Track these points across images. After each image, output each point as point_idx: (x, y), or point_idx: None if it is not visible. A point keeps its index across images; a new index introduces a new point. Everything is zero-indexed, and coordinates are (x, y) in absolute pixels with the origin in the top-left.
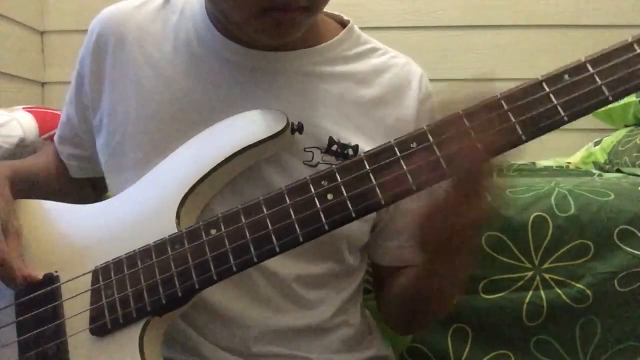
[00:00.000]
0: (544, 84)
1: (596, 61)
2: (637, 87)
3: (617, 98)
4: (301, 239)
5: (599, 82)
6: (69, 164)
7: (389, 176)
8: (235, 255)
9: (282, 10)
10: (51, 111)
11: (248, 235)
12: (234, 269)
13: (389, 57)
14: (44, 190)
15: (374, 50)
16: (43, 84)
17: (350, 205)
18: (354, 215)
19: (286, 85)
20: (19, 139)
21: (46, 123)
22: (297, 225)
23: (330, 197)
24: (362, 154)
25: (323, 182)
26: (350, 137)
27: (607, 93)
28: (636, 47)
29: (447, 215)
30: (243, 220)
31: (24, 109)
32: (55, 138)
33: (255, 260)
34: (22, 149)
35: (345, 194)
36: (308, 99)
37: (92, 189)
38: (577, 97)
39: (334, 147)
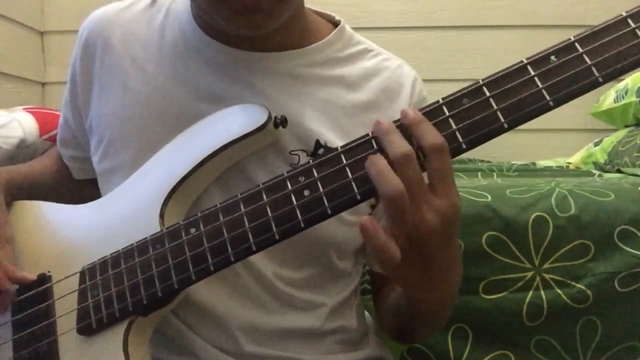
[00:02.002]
0: (529, 67)
1: (585, 39)
2: (629, 67)
3: (607, 79)
4: (277, 237)
5: (589, 62)
6: (71, 166)
7: (365, 170)
8: (212, 254)
9: None
10: (51, 111)
11: (225, 233)
12: (211, 268)
13: (381, 59)
14: (44, 192)
15: (366, 52)
16: (43, 84)
17: (325, 201)
18: (329, 211)
19: (272, 86)
20: (19, 139)
21: (46, 123)
22: (272, 223)
23: (306, 193)
24: (340, 148)
25: (300, 178)
26: (337, 141)
27: (596, 74)
28: (630, 22)
29: (397, 227)
30: (221, 218)
31: (24, 109)
32: (57, 140)
33: (232, 259)
34: (22, 149)
35: (321, 190)
36: (295, 100)
37: (96, 189)
38: (564, 79)
39: (320, 151)
